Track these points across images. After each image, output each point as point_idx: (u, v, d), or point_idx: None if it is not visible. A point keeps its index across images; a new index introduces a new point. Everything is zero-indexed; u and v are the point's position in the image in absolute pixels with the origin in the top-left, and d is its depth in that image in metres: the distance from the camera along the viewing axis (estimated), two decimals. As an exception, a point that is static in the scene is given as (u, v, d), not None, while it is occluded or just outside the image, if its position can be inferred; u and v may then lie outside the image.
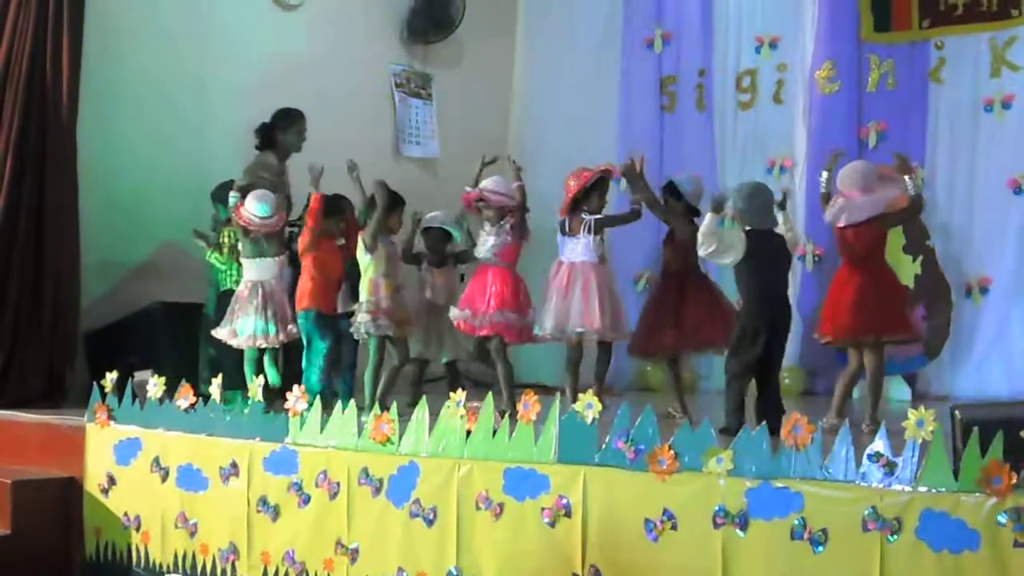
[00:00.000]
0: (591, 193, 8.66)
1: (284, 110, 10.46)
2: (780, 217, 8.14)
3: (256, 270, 9.25)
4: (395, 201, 9.16)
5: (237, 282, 9.56)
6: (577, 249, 8.59)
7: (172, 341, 10.07)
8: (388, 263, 8.98)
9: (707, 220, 7.93)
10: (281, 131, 10.37)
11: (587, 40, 13.27)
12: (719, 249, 7.87)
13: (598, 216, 8.65)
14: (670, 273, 8.90)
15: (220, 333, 9.27)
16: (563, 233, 8.68)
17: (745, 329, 7.90)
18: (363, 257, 8.93)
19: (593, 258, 8.58)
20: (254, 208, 9.16)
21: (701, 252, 7.97)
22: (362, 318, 8.87)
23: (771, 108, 12.22)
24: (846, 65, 11.63)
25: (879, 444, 5.51)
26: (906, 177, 8.10)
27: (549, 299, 8.58)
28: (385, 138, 12.79)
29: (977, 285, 10.99)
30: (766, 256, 7.92)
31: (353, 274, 9.24)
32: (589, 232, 8.58)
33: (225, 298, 9.69)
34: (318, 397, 7.56)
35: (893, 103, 11.49)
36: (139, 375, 8.71)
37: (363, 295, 8.92)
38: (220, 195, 9.97)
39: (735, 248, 7.84)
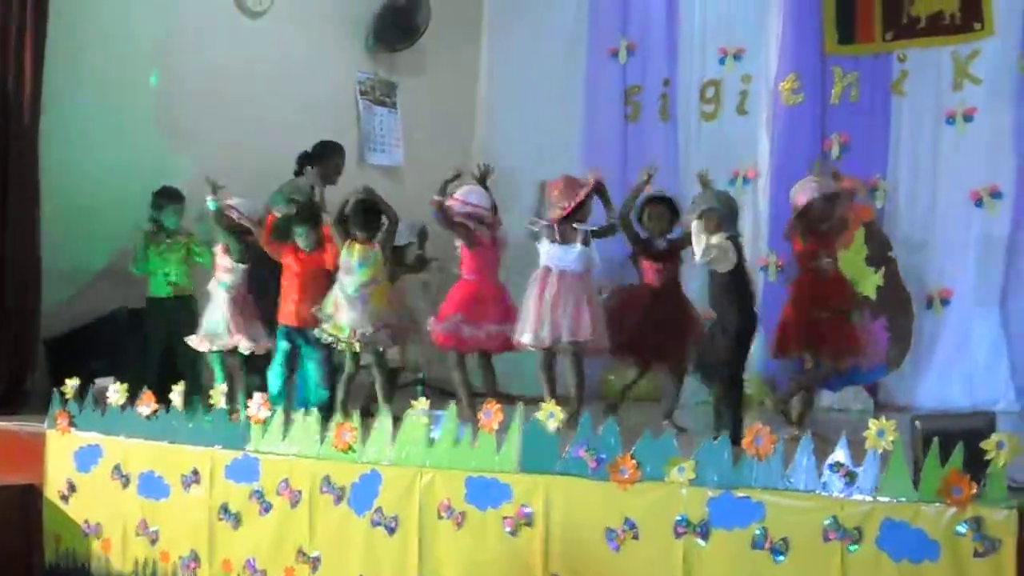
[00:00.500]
0: (583, 203, 8.68)
1: (322, 143, 10.66)
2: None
3: (240, 275, 9.36)
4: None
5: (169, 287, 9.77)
6: (569, 258, 8.58)
7: (137, 347, 10.04)
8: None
9: (696, 227, 7.94)
10: (317, 161, 10.43)
11: (552, 49, 13.27)
12: (717, 256, 7.90)
13: (595, 228, 8.68)
14: (665, 284, 8.94)
15: (193, 340, 9.39)
16: (552, 240, 8.66)
17: (742, 336, 7.97)
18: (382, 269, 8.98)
19: (583, 268, 8.60)
20: (248, 211, 9.30)
21: (702, 259, 7.94)
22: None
23: (735, 119, 12.24)
24: (810, 77, 11.67)
25: (840, 454, 5.54)
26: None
27: (543, 307, 8.56)
28: (350, 146, 12.73)
29: (938, 296, 11.04)
30: (744, 264, 8.02)
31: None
32: (586, 243, 8.61)
33: (155, 305, 9.86)
34: (280, 406, 7.58)
35: (856, 115, 11.53)
36: (100, 381, 8.67)
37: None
38: (158, 201, 10.15)
39: (729, 255, 7.89)
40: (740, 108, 12.21)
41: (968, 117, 11.07)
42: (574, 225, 8.58)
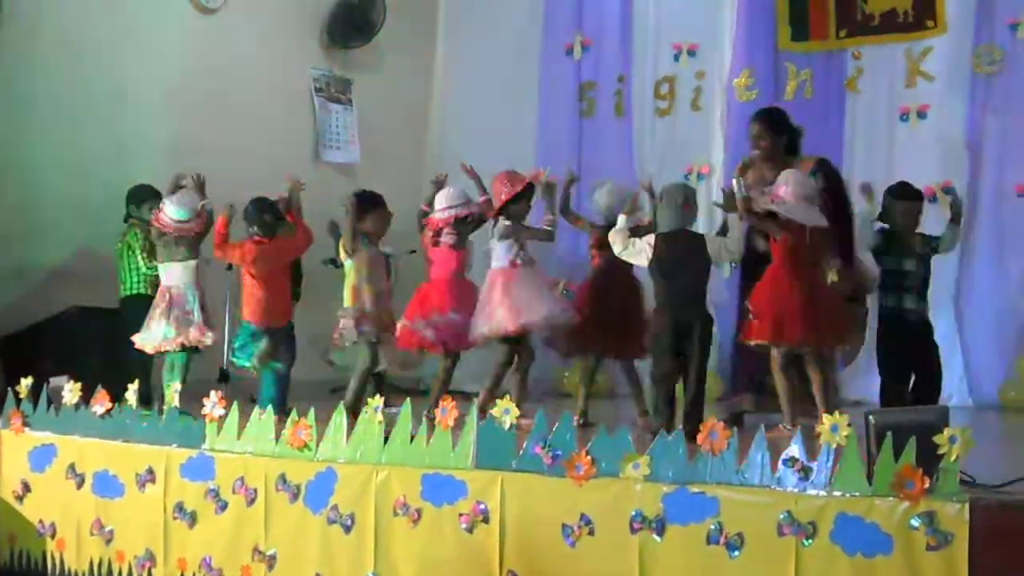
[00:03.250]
0: (518, 199, 8.83)
1: None
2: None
3: (165, 275, 9.31)
4: (370, 204, 9.16)
5: (139, 287, 9.73)
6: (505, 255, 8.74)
7: (90, 346, 9.97)
8: (368, 269, 9.00)
9: (620, 221, 8.13)
10: None
11: (507, 46, 13.28)
12: (629, 250, 8.06)
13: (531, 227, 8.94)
14: (616, 270, 9.00)
15: (136, 339, 9.31)
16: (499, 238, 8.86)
17: (658, 334, 8.04)
18: (346, 262, 9.09)
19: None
20: (172, 212, 9.19)
21: (616, 251, 8.19)
22: (345, 324, 8.90)
23: (689, 115, 12.31)
24: (764, 73, 11.74)
25: (794, 449, 5.56)
26: None
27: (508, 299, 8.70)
28: (305, 143, 12.74)
29: (893, 292, 11.11)
30: (673, 258, 8.03)
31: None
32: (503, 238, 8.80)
33: (131, 303, 9.81)
34: (235, 402, 7.55)
35: (810, 112, 11.56)
36: (55, 381, 8.60)
37: (345, 302, 9.01)
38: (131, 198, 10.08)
39: (644, 251, 8.00)
40: (694, 104, 12.29)
41: (922, 114, 11.18)
42: (504, 221, 8.72)
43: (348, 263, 9.02)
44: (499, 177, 8.87)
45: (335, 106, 13.15)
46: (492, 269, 8.82)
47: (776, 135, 9.04)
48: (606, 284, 9.06)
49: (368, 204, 9.14)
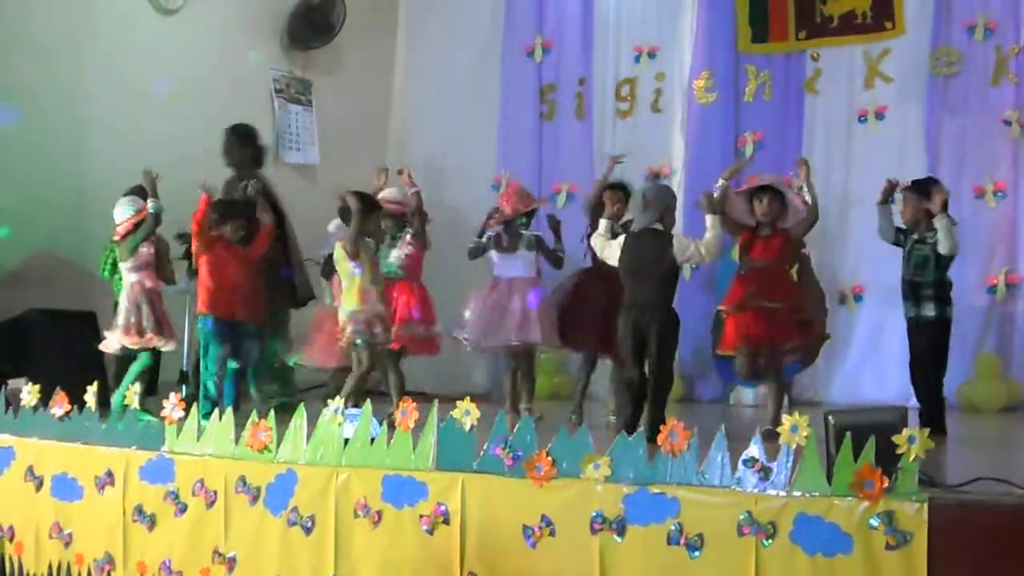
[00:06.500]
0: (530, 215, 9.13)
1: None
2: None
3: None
4: (371, 206, 9.07)
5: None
6: (516, 265, 8.85)
7: (51, 349, 9.92)
8: (373, 269, 8.91)
9: (602, 224, 8.23)
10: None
11: (468, 48, 13.32)
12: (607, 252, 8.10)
13: (538, 234, 9.10)
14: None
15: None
16: (500, 250, 8.98)
17: (621, 336, 8.13)
18: (344, 265, 8.82)
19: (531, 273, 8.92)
20: (118, 213, 9.23)
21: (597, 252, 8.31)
22: (355, 328, 8.75)
23: (650, 117, 12.36)
24: (723, 75, 11.79)
25: (754, 449, 5.57)
26: (803, 186, 8.41)
27: (488, 310, 8.87)
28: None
29: (851, 292, 11.17)
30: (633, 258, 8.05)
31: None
32: (530, 249, 9.00)
33: None
34: (212, 404, 7.54)
35: (770, 113, 11.67)
36: (13, 383, 8.56)
37: (353, 304, 8.77)
38: None
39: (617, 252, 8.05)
40: (655, 106, 12.33)
41: (880, 115, 11.24)
42: (520, 232, 8.81)
43: (351, 265, 8.82)
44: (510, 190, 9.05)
45: (295, 107, 13.13)
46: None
47: (243, 147, 9.40)
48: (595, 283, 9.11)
49: (371, 205, 9.04)
